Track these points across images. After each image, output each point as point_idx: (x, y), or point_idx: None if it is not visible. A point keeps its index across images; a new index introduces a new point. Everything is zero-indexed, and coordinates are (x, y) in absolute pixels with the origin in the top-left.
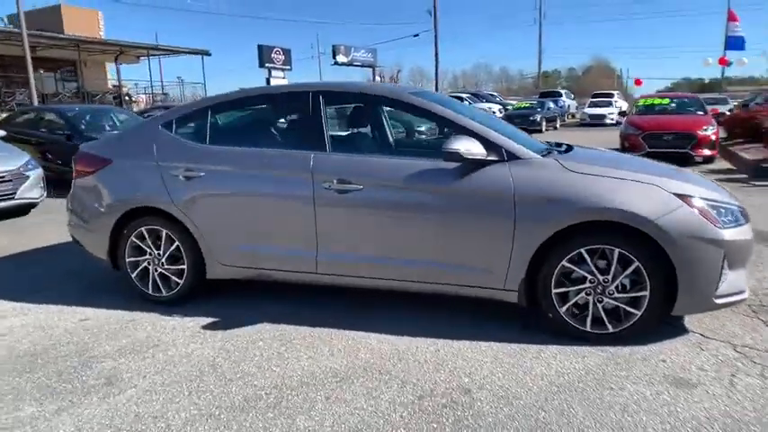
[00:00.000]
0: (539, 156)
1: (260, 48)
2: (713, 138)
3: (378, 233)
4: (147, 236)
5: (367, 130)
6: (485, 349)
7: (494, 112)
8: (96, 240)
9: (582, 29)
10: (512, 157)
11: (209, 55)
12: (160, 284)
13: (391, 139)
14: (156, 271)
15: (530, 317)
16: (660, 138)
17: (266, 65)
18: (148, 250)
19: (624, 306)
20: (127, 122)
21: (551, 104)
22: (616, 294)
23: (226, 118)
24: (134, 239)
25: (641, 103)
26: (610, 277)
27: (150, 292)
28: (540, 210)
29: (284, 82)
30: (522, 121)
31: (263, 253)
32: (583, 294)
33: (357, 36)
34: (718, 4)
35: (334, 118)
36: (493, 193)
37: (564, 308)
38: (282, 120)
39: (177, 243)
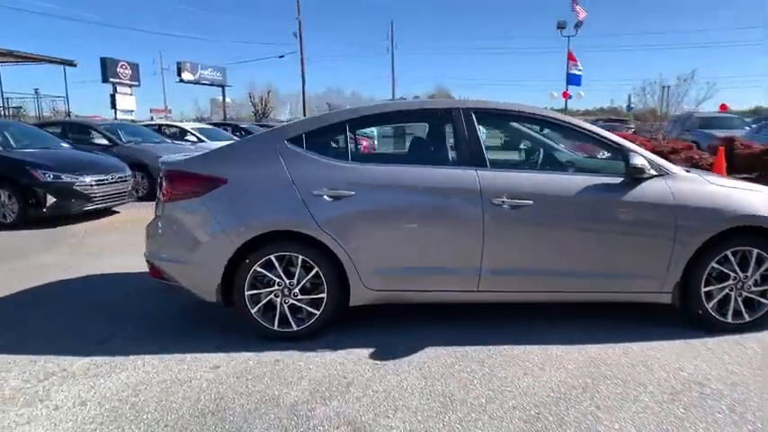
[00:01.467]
0: (683, 171)
1: (103, 61)
2: None
3: (547, 247)
4: (276, 264)
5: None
6: (676, 346)
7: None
8: (204, 275)
9: (430, 60)
10: (665, 171)
11: (75, 66)
12: (290, 318)
13: (541, 157)
14: (287, 303)
15: (671, 314)
16: None
17: (111, 80)
18: (277, 280)
19: (758, 298)
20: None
21: None
22: (753, 288)
23: (359, 134)
24: (258, 269)
25: None
26: (749, 273)
27: (275, 327)
28: (696, 219)
29: (132, 99)
30: None
31: (418, 274)
32: (726, 291)
33: (214, 54)
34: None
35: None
36: (657, 205)
37: (710, 304)
38: (426, 136)
39: (316, 269)
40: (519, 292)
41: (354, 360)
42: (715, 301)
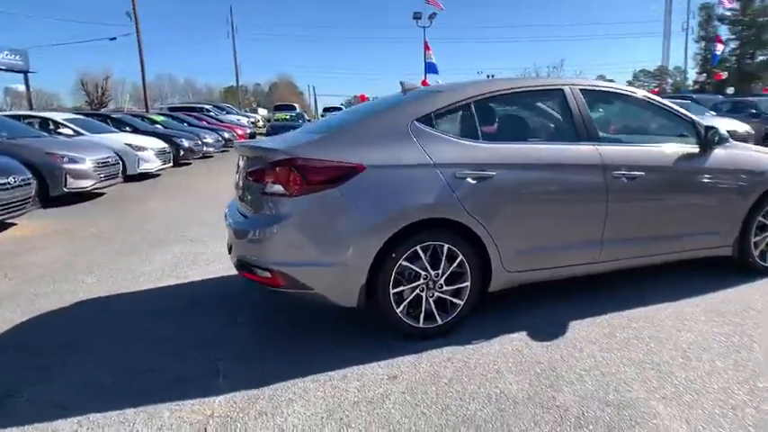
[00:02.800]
0: (732, 140)
1: None
2: None
3: (651, 214)
4: (422, 255)
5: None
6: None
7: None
8: (347, 276)
9: (273, 46)
10: (725, 140)
11: None
12: (435, 312)
13: (635, 131)
14: (432, 296)
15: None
16: None
17: None
18: (423, 273)
19: None
20: None
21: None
22: None
23: (484, 112)
24: (404, 263)
25: None
26: None
27: (420, 324)
28: (751, 179)
29: None
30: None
31: (552, 250)
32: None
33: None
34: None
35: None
36: (725, 170)
37: (757, 251)
38: (542, 114)
39: (461, 257)
40: (627, 258)
41: (522, 346)
42: (759, 249)
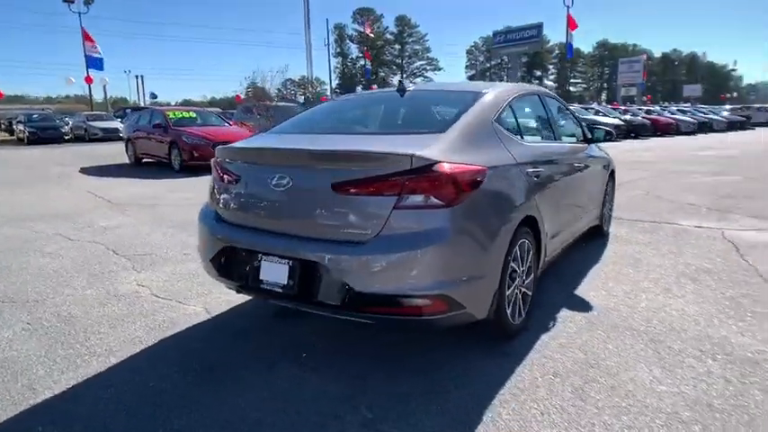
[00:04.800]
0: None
1: None
2: None
3: (571, 196)
4: (518, 252)
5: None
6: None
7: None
8: (486, 287)
9: None
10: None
11: None
12: (521, 307)
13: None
14: (520, 292)
15: None
16: None
17: None
18: (518, 270)
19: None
20: None
21: None
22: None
23: (515, 113)
24: (512, 263)
25: (173, 115)
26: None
27: (516, 321)
28: (607, 167)
29: None
30: None
31: (558, 234)
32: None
33: None
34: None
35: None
36: (599, 159)
37: (604, 224)
38: (536, 116)
39: (532, 250)
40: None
41: (591, 316)
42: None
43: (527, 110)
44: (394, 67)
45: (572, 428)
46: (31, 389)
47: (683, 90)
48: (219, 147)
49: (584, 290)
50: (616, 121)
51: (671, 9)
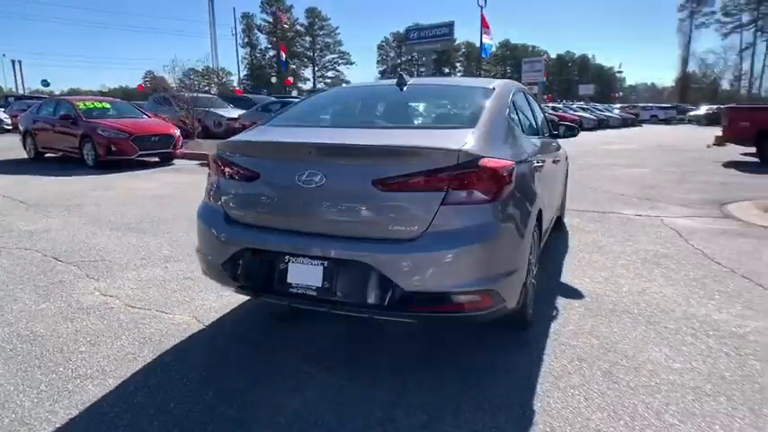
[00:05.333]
0: None
1: None
2: (180, 138)
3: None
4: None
5: None
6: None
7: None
8: (520, 278)
9: None
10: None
11: None
12: (532, 297)
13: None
14: (531, 282)
15: None
16: (148, 140)
17: None
18: (533, 261)
19: None
20: None
21: None
22: None
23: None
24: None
25: (83, 106)
26: None
27: (530, 310)
28: (566, 160)
29: None
30: None
31: (547, 226)
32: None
33: None
34: None
35: None
36: (563, 153)
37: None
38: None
39: (537, 238)
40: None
41: (593, 309)
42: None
43: (521, 105)
44: (305, 60)
45: (618, 410)
46: (24, 424)
47: (577, 89)
48: (223, 141)
49: (568, 278)
50: None
51: (564, 13)
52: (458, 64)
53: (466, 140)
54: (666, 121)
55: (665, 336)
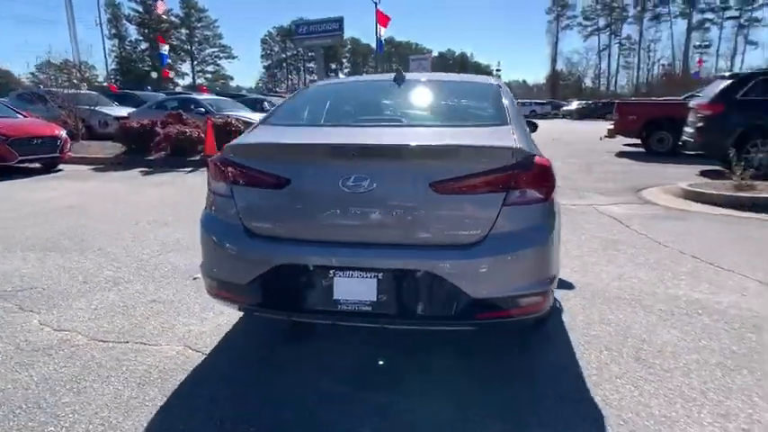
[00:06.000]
0: None
1: None
2: (67, 140)
3: None
4: None
5: None
6: None
7: None
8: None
9: None
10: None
11: None
12: None
13: None
14: None
15: None
16: (30, 144)
17: None
18: None
19: None
20: None
21: None
22: None
23: None
24: None
25: None
26: None
27: None
28: None
29: None
30: None
31: None
32: None
33: None
34: None
35: None
36: None
37: None
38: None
39: None
40: None
41: (589, 299)
42: None
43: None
44: (182, 54)
45: (669, 392)
46: None
47: None
48: (232, 143)
49: None
50: None
51: (444, 12)
52: (344, 60)
53: (514, 138)
54: (543, 116)
55: (664, 318)
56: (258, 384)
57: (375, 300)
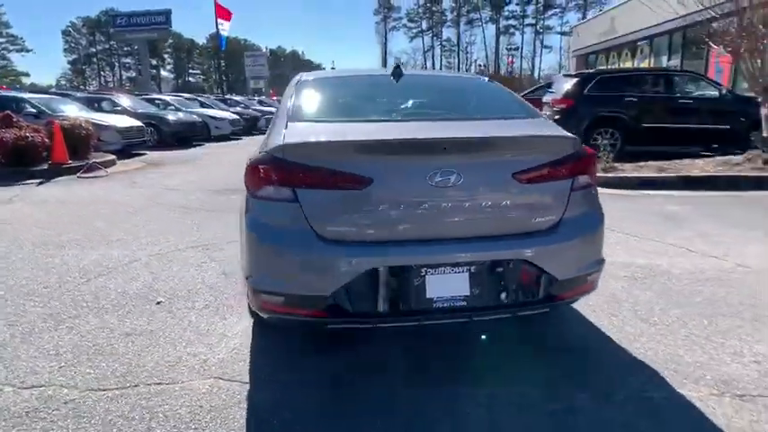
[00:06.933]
0: None
1: None
2: None
3: None
4: None
5: None
6: None
7: None
8: None
9: None
10: None
11: None
12: None
13: None
14: None
15: None
16: None
17: None
18: None
19: None
20: None
21: None
22: None
23: None
24: None
25: None
26: None
27: None
28: None
29: None
30: None
31: None
32: None
33: None
34: None
35: None
36: None
37: None
38: None
39: None
40: None
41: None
42: None
43: None
44: None
45: (683, 340)
46: None
47: None
48: (289, 143)
49: None
50: (229, 115)
51: (274, 10)
52: (166, 56)
53: (557, 129)
54: None
55: (633, 282)
56: (303, 408)
57: (468, 293)
